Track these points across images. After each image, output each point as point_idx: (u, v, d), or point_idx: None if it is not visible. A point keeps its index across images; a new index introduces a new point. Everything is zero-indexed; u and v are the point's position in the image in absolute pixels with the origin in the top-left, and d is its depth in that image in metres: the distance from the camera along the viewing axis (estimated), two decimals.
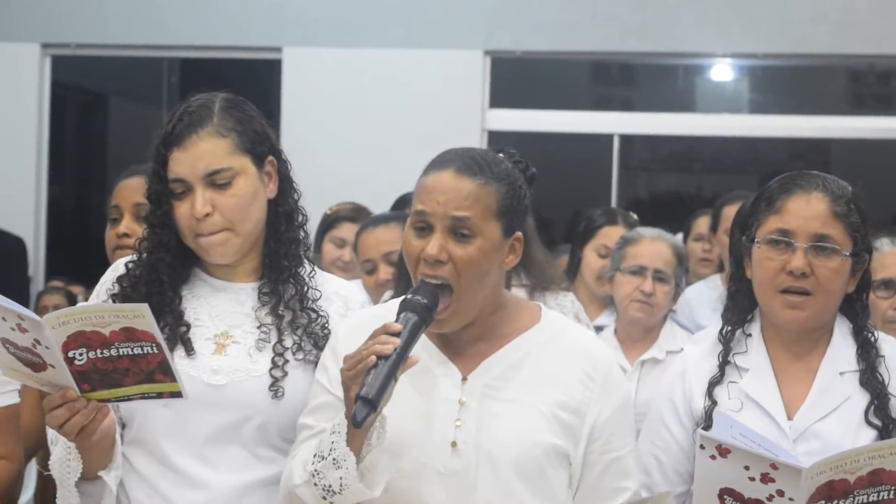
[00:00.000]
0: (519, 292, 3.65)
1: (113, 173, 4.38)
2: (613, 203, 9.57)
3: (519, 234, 2.68)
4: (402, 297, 2.60)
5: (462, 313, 2.63)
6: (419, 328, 2.55)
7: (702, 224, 6.57)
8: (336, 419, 2.54)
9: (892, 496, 2.53)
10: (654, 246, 4.67)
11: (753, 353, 2.95)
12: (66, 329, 2.52)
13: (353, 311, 2.96)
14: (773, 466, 2.46)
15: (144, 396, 2.63)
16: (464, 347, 2.68)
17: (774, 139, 9.88)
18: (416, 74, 9.36)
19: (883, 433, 2.81)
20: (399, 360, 2.48)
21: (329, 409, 2.67)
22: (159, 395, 2.62)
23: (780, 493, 2.47)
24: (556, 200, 10.39)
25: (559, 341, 2.73)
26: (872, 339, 2.93)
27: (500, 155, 2.73)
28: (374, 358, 2.45)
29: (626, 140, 9.86)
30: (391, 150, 8.95)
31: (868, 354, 2.90)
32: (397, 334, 2.50)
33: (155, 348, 2.54)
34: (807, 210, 2.88)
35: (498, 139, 9.41)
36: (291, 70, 9.54)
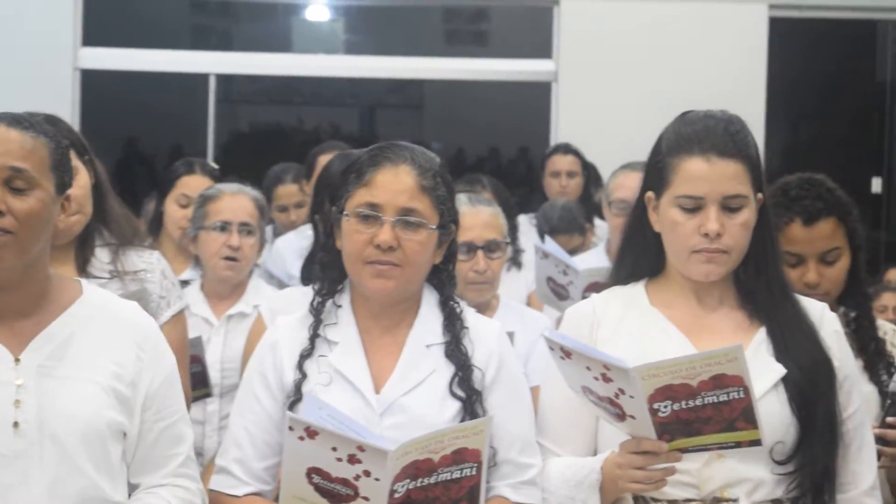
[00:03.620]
0: (102, 252, 3.57)
1: None
2: (210, 139, 9.56)
3: (69, 192, 2.71)
4: None
5: (17, 262, 2.60)
6: None
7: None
8: None
9: (474, 472, 2.64)
10: (235, 200, 4.71)
11: (343, 326, 2.97)
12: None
13: None
14: (361, 448, 2.53)
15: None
16: (10, 326, 2.64)
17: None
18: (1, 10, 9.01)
19: (466, 404, 2.88)
20: None
21: None
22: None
23: (367, 473, 2.54)
24: (155, 139, 10.27)
25: (105, 314, 2.74)
26: (458, 310, 2.99)
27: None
28: None
29: (225, 77, 9.83)
30: None
31: (453, 326, 2.96)
32: None
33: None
34: (395, 184, 2.91)
35: (92, 78, 9.20)
36: None
